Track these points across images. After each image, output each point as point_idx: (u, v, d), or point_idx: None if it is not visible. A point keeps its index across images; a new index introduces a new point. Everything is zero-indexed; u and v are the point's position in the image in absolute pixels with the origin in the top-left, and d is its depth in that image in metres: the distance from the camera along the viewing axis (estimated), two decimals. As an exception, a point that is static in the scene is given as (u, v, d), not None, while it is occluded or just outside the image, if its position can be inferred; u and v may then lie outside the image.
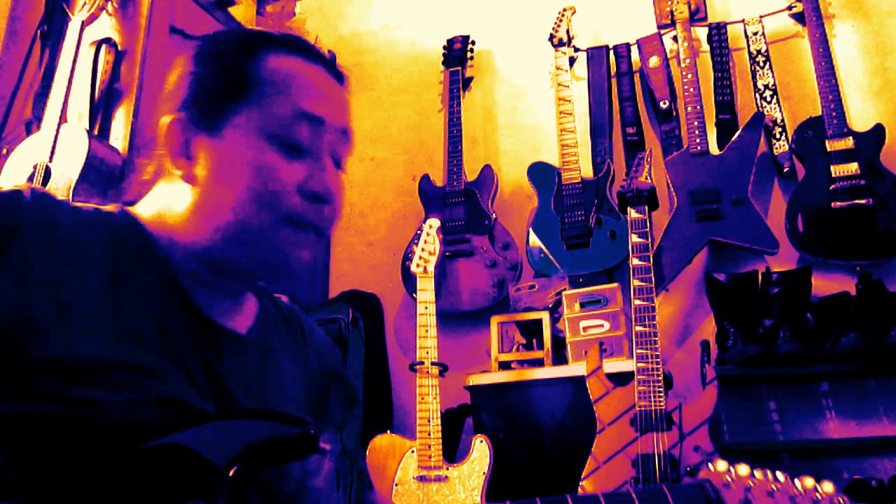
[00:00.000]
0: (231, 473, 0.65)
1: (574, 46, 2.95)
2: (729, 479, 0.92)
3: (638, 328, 2.00)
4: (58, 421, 0.63)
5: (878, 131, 2.35)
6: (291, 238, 0.78)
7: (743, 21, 2.72)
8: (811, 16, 2.56)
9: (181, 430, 0.67)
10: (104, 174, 2.07)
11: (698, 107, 2.57)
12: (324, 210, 0.81)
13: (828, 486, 0.96)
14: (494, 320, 2.47)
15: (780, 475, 0.94)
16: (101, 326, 0.68)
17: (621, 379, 2.01)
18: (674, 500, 0.85)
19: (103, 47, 2.30)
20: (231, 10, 2.65)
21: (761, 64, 2.62)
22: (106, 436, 0.64)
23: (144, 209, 0.82)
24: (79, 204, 0.76)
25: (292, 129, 0.79)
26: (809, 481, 0.95)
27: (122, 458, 0.62)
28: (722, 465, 0.94)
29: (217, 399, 0.74)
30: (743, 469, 0.93)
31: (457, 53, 3.07)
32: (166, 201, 0.81)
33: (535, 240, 2.63)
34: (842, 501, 0.93)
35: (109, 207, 0.80)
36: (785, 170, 2.48)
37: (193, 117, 0.79)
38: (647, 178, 2.27)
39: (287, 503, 0.84)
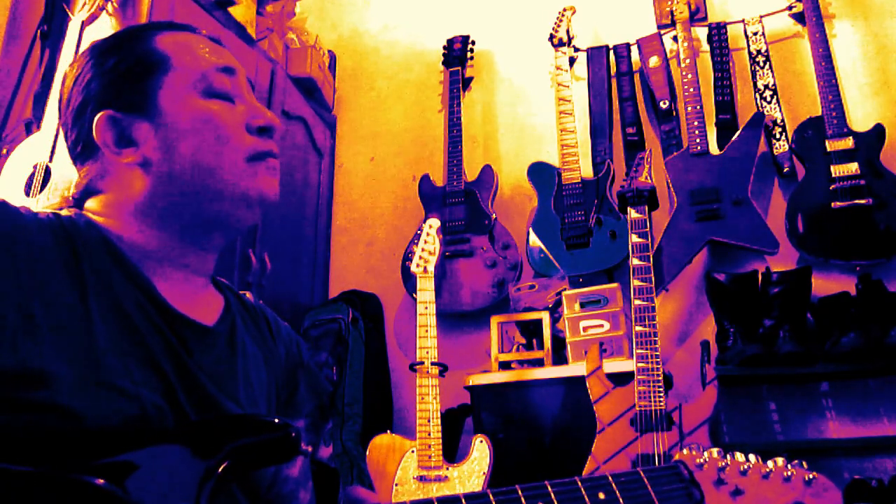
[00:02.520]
0: (214, 477, 0.65)
1: (574, 46, 2.95)
2: (703, 461, 0.93)
3: (638, 328, 2.00)
4: (32, 431, 0.62)
5: (878, 131, 2.35)
6: (258, 170, 0.84)
7: (743, 21, 2.72)
8: (811, 16, 2.56)
9: (157, 432, 0.66)
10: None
11: (698, 107, 2.57)
12: (273, 140, 0.87)
13: (797, 465, 0.98)
14: (494, 320, 2.47)
15: (752, 456, 0.97)
16: (68, 333, 0.67)
17: (621, 379, 2.01)
18: (650, 483, 0.87)
19: (103, 47, 2.29)
20: (231, 10, 2.65)
21: (761, 64, 2.62)
22: (77, 443, 0.63)
23: (101, 210, 0.83)
24: (36, 210, 0.76)
25: (216, 80, 0.84)
26: (780, 460, 0.97)
27: (92, 470, 0.61)
28: (696, 448, 0.96)
29: (188, 394, 0.74)
30: (716, 451, 0.95)
31: (457, 53, 3.07)
32: (123, 193, 0.82)
33: (535, 240, 2.63)
34: (815, 476, 0.95)
35: (66, 212, 0.80)
36: (785, 170, 2.48)
37: (119, 107, 0.81)
38: (647, 178, 2.27)
39: (266, 491, 0.85)
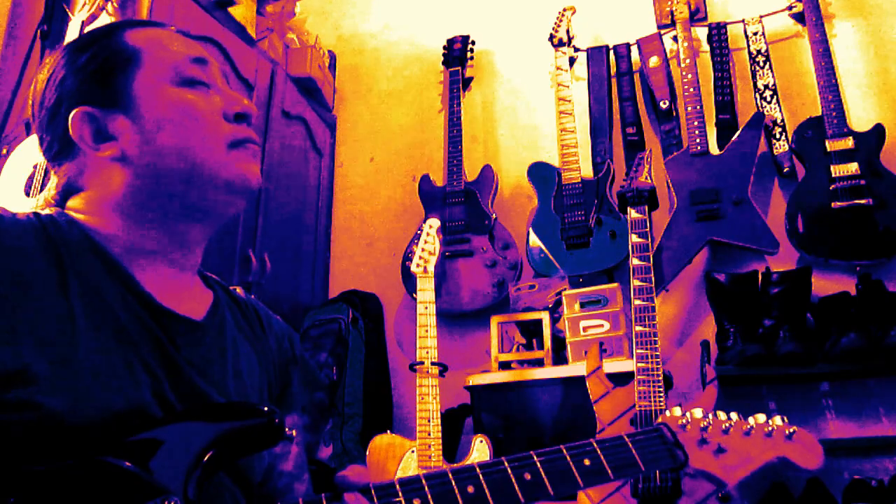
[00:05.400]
0: (203, 462, 0.65)
1: (574, 46, 2.95)
2: (685, 422, 0.94)
3: (638, 328, 2.00)
4: (19, 430, 0.62)
5: (878, 131, 2.35)
6: (238, 157, 0.83)
7: (743, 21, 2.72)
8: (811, 16, 2.56)
9: (145, 427, 0.67)
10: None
11: (698, 107, 2.57)
12: (251, 127, 0.87)
13: (777, 420, 0.98)
14: (494, 320, 2.47)
15: (733, 414, 0.97)
16: (50, 333, 0.67)
17: (621, 379, 2.01)
18: (634, 447, 0.88)
19: (103, 47, 2.29)
20: (231, 10, 2.65)
21: (761, 64, 2.62)
22: (63, 441, 0.63)
23: (82, 207, 0.82)
24: (15, 211, 0.76)
25: (188, 69, 0.84)
26: (761, 417, 0.98)
27: (79, 465, 0.62)
28: (678, 410, 0.97)
29: (176, 387, 0.74)
30: (698, 412, 0.96)
31: (457, 53, 3.07)
32: (102, 189, 0.81)
33: (535, 240, 2.62)
34: (795, 430, 0.96)
35: (48, 211, 0.80)
36: (785, 170, 2.48)
37: (95, 102, 0.81)
38: (647, 178, 2.27)
39: (259, 487, 0.85)
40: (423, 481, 0.71)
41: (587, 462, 0.82)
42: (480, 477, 0.74)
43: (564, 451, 0.82)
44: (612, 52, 2.88)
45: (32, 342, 0.65)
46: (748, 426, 0.96)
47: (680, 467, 0.91)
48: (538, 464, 0.79)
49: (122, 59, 0.82)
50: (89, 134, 0.81)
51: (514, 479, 0.76)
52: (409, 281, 2.67)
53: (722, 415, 0.97)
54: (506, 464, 0.77)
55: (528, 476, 0.77)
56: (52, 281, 0.70)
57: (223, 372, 0.82)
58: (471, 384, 2.32)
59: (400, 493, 0.69)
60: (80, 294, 0.71)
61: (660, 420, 0.96)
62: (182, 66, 0.83)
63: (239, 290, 0.98)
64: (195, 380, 0.76)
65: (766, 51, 2.64)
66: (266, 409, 0.72)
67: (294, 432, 0.92)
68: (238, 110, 0.85)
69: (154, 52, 0.83)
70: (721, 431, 0.94)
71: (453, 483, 0.72)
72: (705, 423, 0.94)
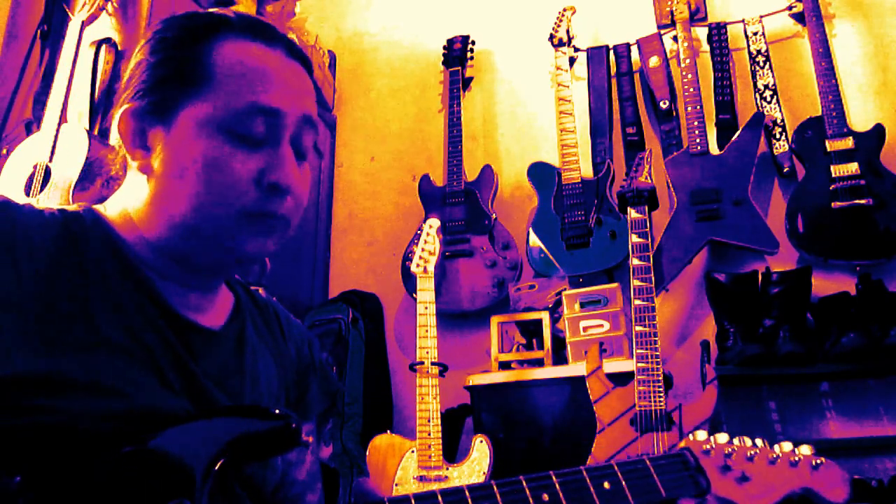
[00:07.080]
0: (214, 469, 0.65)
1: (574, 46, 2.95)
2: (709, 447, 0.92)
3: (638, 328, 2.00)
4: (30, 433, 0.62)
5: (878, 131, 2.34)
6: (250, 229, 0.75)
7: (743, 21, 2.72)
8: (811, 16, 2.56)
9: (157, 431, 0.66)
10: (104, 174, 2.07)
11: (698, 107, 2.57)
12: (284, 201, 0.77)
13: (805, 449, 0.96)
14: (494, 320, 2.47)
15: (759, 441, 0.95)
16: (68, 339, 0.66)
17: (621, 379, 2.01)
18: (655, 471, 0.86)
19: (103, 47, 2.30)
20: (231, 10, 2.65)
21: (761, 64, 2.62)
22: (78, 445, 0.62)
23: (111, 206, 0.80)
24: (41, 207, 0.74)
25: (247, 122, 0.75)
26: (787, 445, 0.96)
27: (101, 465, 0.61)
28: (702, 434, 0.95)
29: (192, 398, 0.73)
30: (722, 437, 0.94)
31: (457, 53, 3.07)
32: (130, 195, 0.79)
33: (535, 240, 2.62)
34: (822, 461, 0.94)
35: (73, 207, 0.77)
36: (785, 170, 2.48)
37: (148, 107, 0.77)
38: (647, 178, 2.27)
39: (271, 495, 0.84)
40: (440, 497, 0.71)
41: (607, 485, 0.81)
42: (498, 496, 0.73)
43: (584, 472, 0.80)
44: (612, 52, 2.88)
45: (52, 345, 0.65)
46: (774, 455, 0.93)
47: (702, 494, 0.88)
48: (556, 485, 0.78)
49: (192, 76, 0.75)
50: (130, 134, 0.78)
51: (531, 500, 0.75)
52: (409, 281, 2.67)
53: (748, 441, 0.94)
54: (524, 483, 0.76)
55: (545, 497, 0.76)
56: (73, 283, 0.69)
57: (240, 381, 0.81)
58: (471, 384, 2.32)
59: None
60: (100, 298, 0.70)
61: (683, 444, 0.94)
62: (241, 116, 0.74)
63: (261, 290, 0.96)
64: (211, 389, 0.76)
65: (766, 51, 2.64)
66: (280, 412, 0.71)
67: (310, 439, 0.91)
68: (273, 180, 0.75)
69: (227, 85, 0.75)
70: (745, 458, 0.92)
71: (470, 501, 0.71)
72: (729, 450, 0.92)
